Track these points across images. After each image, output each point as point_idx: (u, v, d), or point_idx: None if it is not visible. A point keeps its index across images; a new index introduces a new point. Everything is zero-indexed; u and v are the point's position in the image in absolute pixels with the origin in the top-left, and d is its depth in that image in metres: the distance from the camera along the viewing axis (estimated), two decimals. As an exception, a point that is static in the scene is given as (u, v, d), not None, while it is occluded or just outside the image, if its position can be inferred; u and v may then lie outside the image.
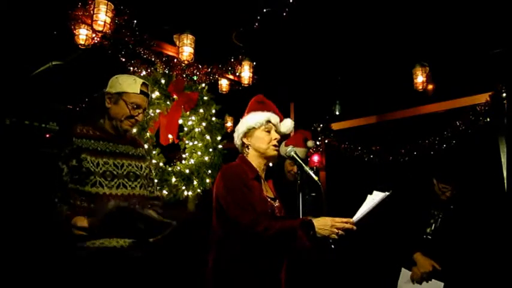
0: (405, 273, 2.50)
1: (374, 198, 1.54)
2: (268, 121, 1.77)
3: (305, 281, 2.59)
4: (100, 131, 1.76)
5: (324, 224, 1.49)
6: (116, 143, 1.77)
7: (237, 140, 1.82)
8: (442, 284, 2.31)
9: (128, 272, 1.63)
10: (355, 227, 1.51)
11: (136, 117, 1.77)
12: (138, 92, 1.76)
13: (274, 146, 1.75)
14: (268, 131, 1.76)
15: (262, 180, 1.76)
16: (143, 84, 1.79)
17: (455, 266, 2.35)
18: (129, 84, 1.76)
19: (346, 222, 1.50)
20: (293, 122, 1.88)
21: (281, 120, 1.84)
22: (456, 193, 2.54)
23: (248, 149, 1.78)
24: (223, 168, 1.73)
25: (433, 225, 2.54)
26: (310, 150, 4.75)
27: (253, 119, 1.77)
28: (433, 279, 2.37)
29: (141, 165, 1.82)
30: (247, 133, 1.78)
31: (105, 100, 1.76)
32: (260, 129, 1.76)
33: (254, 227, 1.50)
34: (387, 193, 1.53)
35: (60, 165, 1.61)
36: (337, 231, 1.48)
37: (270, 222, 1.52)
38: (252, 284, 1.56)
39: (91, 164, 1.63)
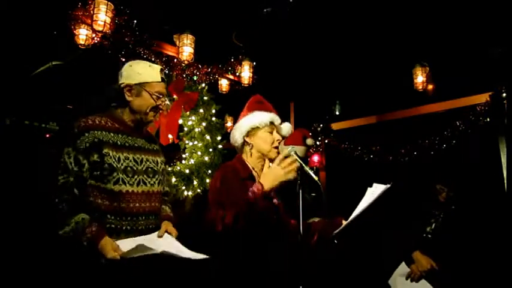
0: (403, 268, 2.50)
1: (374, 191, 1.54)
2: (272, 122, 1.78)
3: (302, 280, 2.59)
4: (118, 123, 1.63)
5: (274, 177, 1.54)
6: (134, 137, 1.65)
7: (239, 139, 1.79)
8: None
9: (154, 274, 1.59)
10: (298, 159, 1.55)
11: (161, 106, 1.69)
12: (160, 80, 1.68)
13: (276, 148, 1.76)
14: (271, 132, 1.77)
15: (257, 179, 1.75)
16: (160, 70, 1.71)
17: (455, 265, 2.35)
18: (149, 73, 1.66)
19: (290, 160, 1.54)
20: (290, 125, 1.89)
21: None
22: (452, 195, 2.55)
23: (250, 148, 1.77)
24: (219, 168, 1.75)
25: (434, 224, 2.55)
26: (310, 150, 4.76)
27: (257, 118, 1.76)
28: (426, 282, 2.38)
29: (157, 161, 1.74)
30: (250, 132, 1.77)
31: (123, 93, 1.63)
32: (263, 130, 1.76)
33: (217, 231, 1.53)
34: (388, 185, 1.52)
35: (80, 160, 1.48)
36: (288, 171, 1.53)
37: (222, 216, 1.52)
38: (248, 284, 1.56)
39: (113, 160, 1.52)
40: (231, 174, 1.67)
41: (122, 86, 1.63)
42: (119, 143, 1.58)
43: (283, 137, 1.84)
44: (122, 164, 1.55)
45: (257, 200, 1.51)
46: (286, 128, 1.85)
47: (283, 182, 1.53)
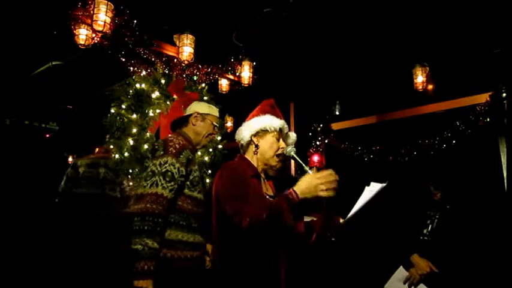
0: (401, 272, 2.49)
1: (371, 189, 1.54)
2: (281, 129, 1.79)
3: (305, 280, 2.59)
4: (191, 144, 2.04)
5: (307, 187, 1.45)
6: (194, 155, 2.03)
7: (246, 136, 1.77)
8: None
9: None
10: (337, 177, 1.47)
11: (214, 135, 2.15)
12: (218, 116, 2.19)
13: (278, 156, 1.75)
14: (278, 139, 1.77)
15: (262, 179, 1.75)
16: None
17: (453, 267, 2.35)
18: (212, 108, 2.16)
19: (330, 176, 1.45)
20: (296, 136, 1.91)
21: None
22: (447, 196, 2.55)
23: (255, 148, 1.77)
24: (223, 167, 1.73)
25: (430, 226, 2.54)
26: (310, 150, 4.76)
27: (269, 121, 1.76)
28: (424, 286, 2.37)
29: None
30: (259, 133, 1.77)
31: (190, 118, 2.09)
32: (271, 134, 1.76)
33: (241, 225, 1.47)
34: (384, 184, 1.52)
35: (182, 171, 1.83)
36: (324, 187, 1.43)
37: (255, 212, 1.46)
38: (251, 283, 1.56)
39: (197, 174, 1.93)
40: (240, 171, 1.66)
41: (191, 113, 2.11)
42: (195, 161, 2.00)
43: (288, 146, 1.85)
44: (199, 177, 1.96)
45: (290, 206, 1.46)
46: (293, 137, 1.88)
47: (316, 198, 1.45)
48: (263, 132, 1.76)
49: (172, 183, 1.77)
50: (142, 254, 1.64)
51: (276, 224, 1.46)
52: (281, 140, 1.79)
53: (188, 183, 1.87)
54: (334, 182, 1.46)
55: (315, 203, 1.56)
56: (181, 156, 1.84)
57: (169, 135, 1.97)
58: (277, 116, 1.80)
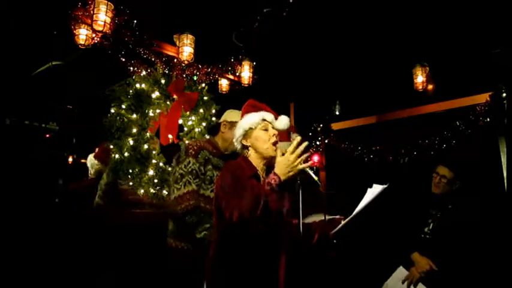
0: (401, 271, 2.50)
1: (373, 191, 1.55)
2: (263, 119, 1.79)
3: (304, 279, 2.60)
4: (217, 149, 2.27)
5: (286, 166, 1.53)
6: (222, 159, 2.25)
7: (237, 144, 1.84)
8: None
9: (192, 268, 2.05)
10: (306, 143, 1.54)
11: None
12: None
13: (274, 144, 1.75)
14: (266, 129, 1.77)
15: (262, 179, 1.76)
16: None
17: (453, 265, 2.36)
18: (239, 116, 2.19)
19: (300, 147, 1.53)
20: (289, 119, 1.88)
21: (276, 118, 1.84)
22: (460, 175, 2.57)
23: (249, 150, 1.80)
24: (225, 166, 1.76)
25: (431, 224, 2.55)
26: (310, 150, 4.75)
27: (248, 120, 1.79)
28: (423, 286, 2.38)
29: None
30: (246, 135, 1.79)
31: (219, 127, 2.32)
32: (257, 129, 1.77)
33: (232, 218, 1.51)
34: (385, 186, 1.53)
35: (202, 169, 2.11)
36: (300, 160, 1.52)
37: (243, 203, 1.51)
38: (249, 282, 1.56)
39: (212, 174, 2.15)
40: (239, 171, 1.68)
41: (221, 121, 2.33)
42: (216, 164, 2.21)
43: (281, 131, 1.86)
44: (215, 179, 2.12)
45: (274, 190, 1.51)
46: (283, 121, 1.84)
47: (297, 174, 1.54)
48: (248, 132, 1.78)
49: (198, 179, 2.10)
50: (212, 233, 1.92)
51: (262, 207, 1.49)
52: (270, 128, 1.78)
53: (201, 181, 2.12)
54: (305, 150, 1.54)
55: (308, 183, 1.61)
56: (199, 156, 2.13)
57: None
58: (258, 111, 1.81)
